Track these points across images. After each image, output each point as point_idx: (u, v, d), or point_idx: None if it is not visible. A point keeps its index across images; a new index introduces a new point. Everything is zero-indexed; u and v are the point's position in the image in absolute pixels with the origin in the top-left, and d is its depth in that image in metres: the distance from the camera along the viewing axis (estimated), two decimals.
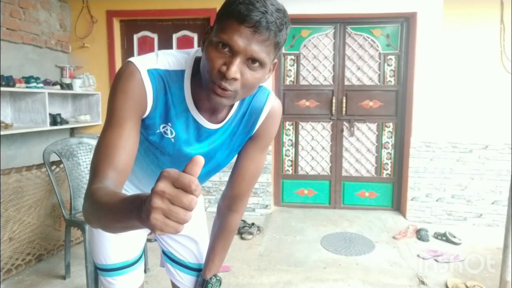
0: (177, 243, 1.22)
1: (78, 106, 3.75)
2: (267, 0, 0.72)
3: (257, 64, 0.75)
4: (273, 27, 0.72)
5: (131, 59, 0.83)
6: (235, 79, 0.74)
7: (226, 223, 1.12)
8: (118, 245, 1.11)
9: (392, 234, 3.16)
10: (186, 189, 0.46)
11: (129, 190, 1.12)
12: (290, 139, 3.86)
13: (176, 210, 0.46)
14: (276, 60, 0.84)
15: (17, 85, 2.85)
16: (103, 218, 0.63)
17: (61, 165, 2.50)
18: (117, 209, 0.58)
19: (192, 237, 1.22)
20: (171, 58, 0.85)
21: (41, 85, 3.06)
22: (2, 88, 2.69)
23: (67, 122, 3.44)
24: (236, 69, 0.73)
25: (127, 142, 0.78)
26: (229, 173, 1.10)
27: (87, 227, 2.13)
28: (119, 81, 0.81)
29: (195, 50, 0.89)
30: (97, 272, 1.17)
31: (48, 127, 3.07)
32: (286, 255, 2.78)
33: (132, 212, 0.53)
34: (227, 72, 0.73)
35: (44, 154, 2.29)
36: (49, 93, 3.07)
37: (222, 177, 3.55)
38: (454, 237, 3.03)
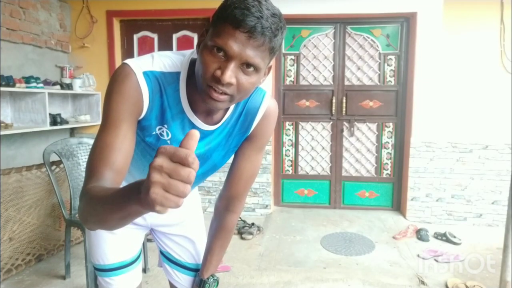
0: (175, 243, 1.22)
1: (78, 106, 3.75)
2: (263, 5, 0.72)
3: (251, 69, 0.76)
4: (268, 32, 0.72)
5: (126, 61, 0.83)
6: (230, 84, 0.75)
7: (224, 223, 1.12)
8: (115, 245, 1.11)
9: (392, 234, 3.16)
10: (183, 163, 0.46)
11: None
12: (290, 139, 3.86)
13: (175, 183, 0.47)
14: (271, 64, 0.84)
15: (17, 85, 2.85)
16: (101, 211, 0.63)
17: (61, 165, 2.50)
18: (115, 197, 0.58)
19: (189, 237, 1.22)
20: (166, 60, 0.85)
21: (41, 85, 3.06)
22: (2, 88, 2.69)
23: (67, 122, 3.44)
24: (231, 73, 0.73)
25: (123, 143, 0.78)
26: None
27: None
28: (115, 83, 0.81)
29: (191, 51, 0.89)
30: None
31: (48, 127, 3.07)
32: (286, 255, 2.78)
33: (131, 196, 0.53)
34: (222, 77, 0.73)
35: (44, 154, 2.29)
36: (49, 93, 3.07)
37: (222, 177, 3.55)
38: (454, 237, 3.03)
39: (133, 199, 0.53)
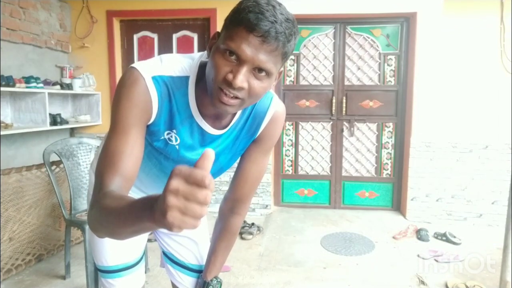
0: (178, 244, 1.21)
1: (78, 106, 3.75)
2: (277, 10, 0.71)
3: (263, 74, 0.75)
4: (282, 37, 0.71)
5: (134, 65, 0.81)
6: (241, 88, 0.74)
7: (228, 226, 1.12)
8: (118, 247, 1.11)
9: (392, 234, 3.16)
10: (200, 185, 0.46)
11: (131, 193, 1.12)
12: (290, 139, 3.86)
13: (192, 206, 0.46)
14: (282, 68, 0.83)
15: (17, 85, 2.85)
16: (112, 224, 0.62)
17: (61, 165, 2.50)
18: (127, 212, 0.58)
19: (193, 238, 1.21)
20: (175, 64, 0.84)
21: (41, 85, 3.06)
22: (2, 88, 2.69)
23: (67, 122, 3.44)
24: (242, 78, 0.72)
25: (133, 149, 0.78)
26: (230, 173, 1.09)
27: (87, 227, 2.13)
28: (124, 87, 0.80)
29: (200, 55, 0.88)
30: (98, 272, 1.17)
31: (48, 127, 3.07)
32: (286, 255, 2.78)
33: (144, 213, 0.52)
34: (234, 81, 0.72)
35: (44, 154, 2.29)
36: (49, 93, 3.07)
37: (222, 177, 3.55)
38: (454, 237, 3.03)
39: (147, 217, 0.52)
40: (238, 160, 1.06)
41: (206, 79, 0.80)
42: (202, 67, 0.85)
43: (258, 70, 0.74)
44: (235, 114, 0.92)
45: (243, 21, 0.70)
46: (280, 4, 0.74)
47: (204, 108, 0.87)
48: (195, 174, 0.46)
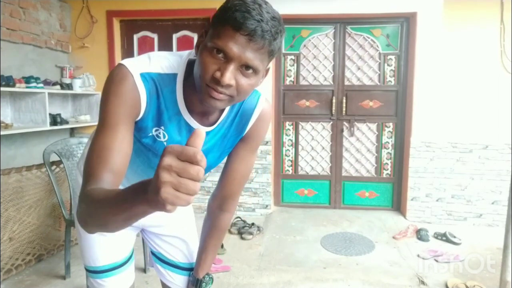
0: (167, 243, 1.21)
1: (78, 106, 3.75)
2: (263, 8, 0.73)
3: (250, 71, 0.76)
4: (268, 35, 0.73)
5: (123, 61, 0.82)
6: (229, 85, 0.75)
7: (217, 223, 1.13)
8: (106, 247, 1.10)
9: (392, 234, 3.16)
10: (192, 161, 0.47)
11: None
12: (290, 139, 3.86)
13: (185, 182, 0.47)
14: (269, 66, 0.85)
15: (17, 85, 2.85)
16: (103, 214, 0.62)
17: (61, 165, 2.50)
18: (119, 199, 0.58)
19: (181, 237, 1.22)
20: (163, 61, 0.85)
21: (41, 85, 3.06)
22: (2, 88, 2.69)
23: (67, 122, 3.44)
24: (230, 75, 0.74)
25: (121, 145, 0.78)
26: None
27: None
28: (112, 84, 0.80)
29: (188, 52, 0.89)
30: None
31: (48, 127, 3.07)
32: (286, 255, 2.78)
33: (138, 196, 0.53)
34: (222, 78, 0.73)
35: (44, 154, 2.29)
36: (49, 93, 3.07)
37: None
38: (454, 237, 3.03)
39: (140, 200, 0.52)
40: (225, 158, 1.07)
41: (194, 76, 0.81)
42: (190, 64, 0.86)
43: (245, 67, 0.75)
44: (222, 111, 0.93)
45: (229, 19, 0.72)
46: (266, 3, 0.75)
47: (192, 105, 0.88)
48: (187, 151, 0.47)
